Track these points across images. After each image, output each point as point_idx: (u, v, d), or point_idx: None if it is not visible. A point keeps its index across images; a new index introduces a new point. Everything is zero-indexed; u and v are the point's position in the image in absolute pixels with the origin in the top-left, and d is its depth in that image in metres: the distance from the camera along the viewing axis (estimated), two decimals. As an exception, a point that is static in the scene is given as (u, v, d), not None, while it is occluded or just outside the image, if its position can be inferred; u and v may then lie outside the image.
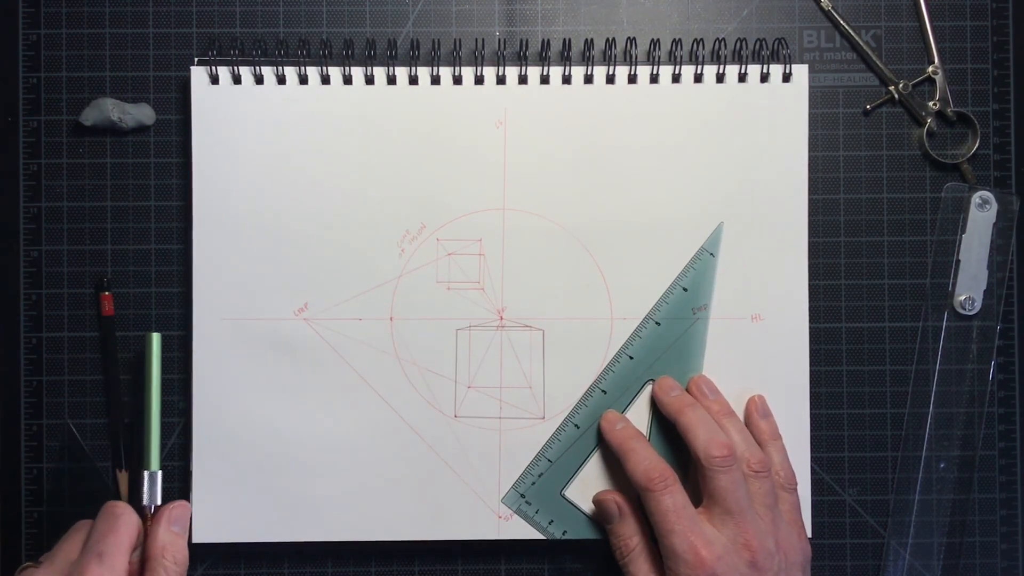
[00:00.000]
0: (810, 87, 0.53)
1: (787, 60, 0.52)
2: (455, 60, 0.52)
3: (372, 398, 0.52)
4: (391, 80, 0.52)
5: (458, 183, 0.52)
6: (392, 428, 0.52)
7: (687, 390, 0.52)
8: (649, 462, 0.48)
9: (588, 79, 0.52)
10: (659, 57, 0.52)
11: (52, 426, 0.53)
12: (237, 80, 0.52)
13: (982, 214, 0.53)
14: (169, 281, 0.53)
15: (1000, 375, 0.54)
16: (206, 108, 0.52)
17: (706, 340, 0.52)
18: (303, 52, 0.52)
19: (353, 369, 0.52)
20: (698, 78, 0.52)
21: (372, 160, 0.52)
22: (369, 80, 0.52)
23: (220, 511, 0.51)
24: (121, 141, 0.53)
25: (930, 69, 0.54)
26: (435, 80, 0.52)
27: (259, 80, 0.52)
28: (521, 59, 0.52)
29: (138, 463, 0.51)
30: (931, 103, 0.54)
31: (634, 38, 0.52)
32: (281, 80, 0.52)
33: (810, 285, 0.53)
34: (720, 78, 0.52)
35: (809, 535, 0.50)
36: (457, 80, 0.52)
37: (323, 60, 0.52)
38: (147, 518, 0.49)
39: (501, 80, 0.52)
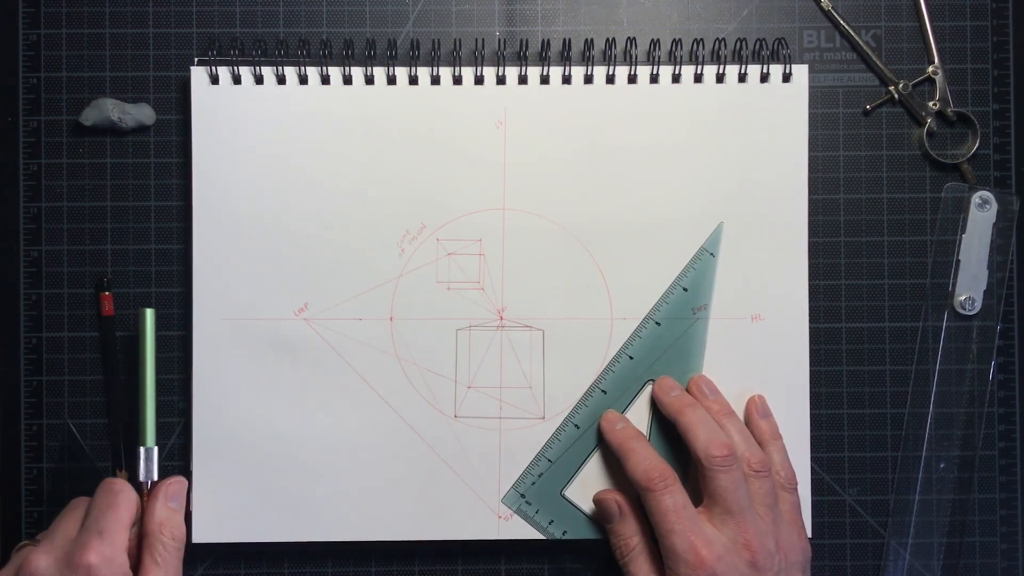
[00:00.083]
0: (810, 87, 0.53)
1: (787, 60, 0.52)
2: (455, 60, 0.52)
3: (372, 398, 0.52)
4: (391, 80, 0.52)
5: (458, 183, 0.52)
6: (392, 428, 0.52)
7: (687, 390, 0.52)
8: (649, 462, 0.48)
9: (588, 79, 0.52)
10: (659, 57, 0.52)
11: (52, 426, 0.53)
12: (237, 80, 0.52)
13: (982, 214, 0.53)
14: (169, 281, 0.53)
15: (1000, 375, 0.54)
16: (206, 108, 0.52)
17: (706, 340, 0.52)
18: (303, 52, 0.52)
19: (353, 369, 0.52)
20: (698, 78, 0.52)
21: (372, 160, 0.52)
22: (369, 80, 0.52)
23: (220, 511, 0.51)
24: (121, 141, 0.53)
25: (930, 69, 0.54)
26: (435, 80, 0.52)
27: (259, 80, 0.52)
28: (521, 59, 0.52)
29: (134, 440, 0.51)
30: (931, 103, 0.54)
31: (634, 38, 0.52)
32: (281, 80, 0.52)
33: (810, 285, 0.53)
34: (720, 78, 0.52)
35: (809, 535, 0.50)
36: (457, 80, 0.52)
37: (323, 60, 0.52)
38: (143, 494, 0.49)
39: (501, 80, 0.52)
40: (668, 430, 0.51)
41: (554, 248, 0.52)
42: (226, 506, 0.51)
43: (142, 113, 0.52)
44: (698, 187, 0.52)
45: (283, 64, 0.52)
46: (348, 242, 0.52)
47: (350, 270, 0.52)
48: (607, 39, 0.52)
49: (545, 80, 0.52)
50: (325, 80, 0.52)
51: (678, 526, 0.46)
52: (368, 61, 0.52)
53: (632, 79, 0.52)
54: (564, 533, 0.52)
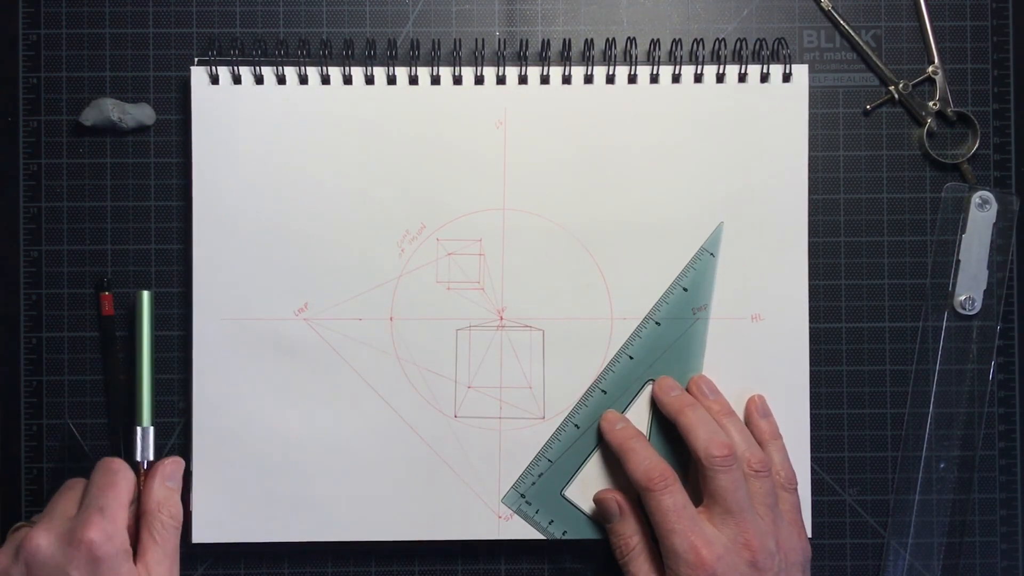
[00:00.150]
0: (810, 87, 0.53)
1: (787, 60, 0.52)
2: (455, 60, 0.52)
3: (372, 398, 0.52)
4: (391, 80, 0.52)
5: (458, 183, 0.52)
6: (392, 428, 0.52)
7: (687, 390, 0.52)
8: (649, 462, 0.48)
9: (588, 79, 0.52)
10: (659, 57, 0.52)
11: (52, 426, 0.53)
12: (237, 80, 0.52)
13: (982, 214, 0.53)
14: (169, 281, 0.53)
15: (1000, 375, 0.54)
16: (206, 108, 0.52)
17: (706, 340, 0.52)
18: (303, 52, 0.52)
19: (353, 369, 0.52)
20: (698, 78, 0.52)
21: (372, 160, 0.52)
22: (369, 80, 0.52)
23: (220, 511, 0.51)
24: (121, 141, 0.53)
25: (930, 69, 0.54)
26: (435, 80, 0.52)
27: (259, 80, 0.52)
28: (521, 59, 0.52)
29: (131, 420, 0.51)
30: (931, 103, 0.54)
31: (634, 38, 0.52)
32: (281, 80, 0.52)
33: (810, 285, 0.53)
34: (720, 78, 0.52)
35: (809, 535, 0.50)
36: (457, 80, 0.52)
37: (323, 60, 0.52)
38: (140, 474, 0.49)
39: (501, 80, 0.52)
40: (668, 430, 0.51)
41: (554, 248, 0.52)
42: (226, 506, 0.51)
43: (142, 113, 0.52)
44: (698, 187, 0.52)
45: (283, 64, 0.52)
46: (348, 242, 0.52)
47: (350, 270, 0.52)
48: (607, 39, 0.52)
49: (545, 80, 0.52)
50: (325, 80, 0.52)
51: (678, 526, 0.46)
52: (368, 61, 0.52)
53: (632, 79, 0.52)
54: (564, 533, 0.52)
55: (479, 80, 0.52)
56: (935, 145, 0.54)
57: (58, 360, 0.53)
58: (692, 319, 0.52)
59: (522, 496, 0.52)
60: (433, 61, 0.52)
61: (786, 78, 0.52)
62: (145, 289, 0.52)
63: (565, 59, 0.52)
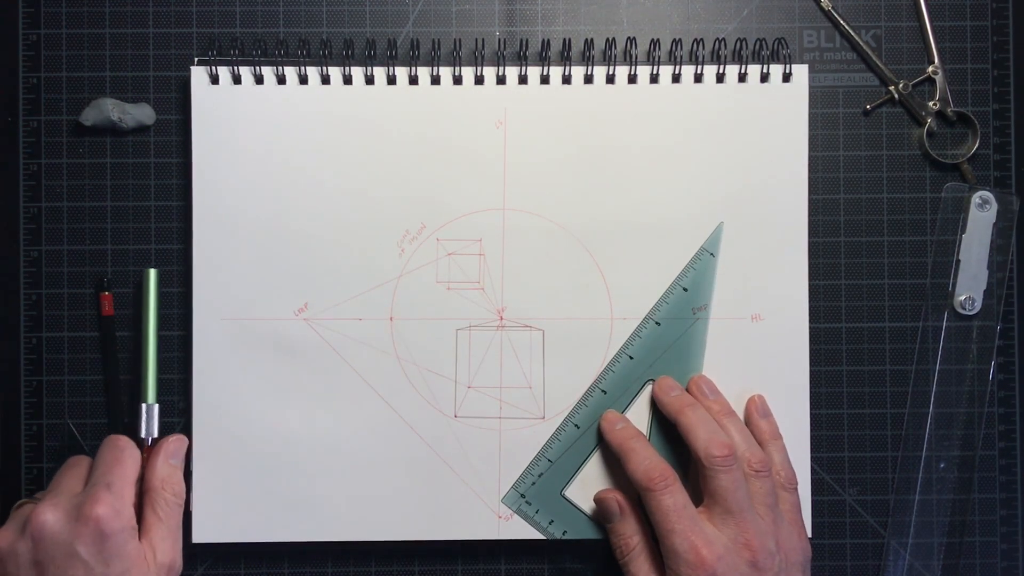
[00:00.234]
0: (810, 87, 0.53)
1: (787, 60, 0.52)
2: (455, 60, 0.52)
3: (372, 398, 0.52)
4: (391, 80, 0.52)
5: (458, 183, 0.52)
6: (392, 428, 0.52)
7: (687, 390, 0.52)
8: (650, 462, 0.48)
9: (588, 79, 0.52)
10: (659, 57, 0.52)
11: (52, 426, 0.53)
12: (237, 80, 0.52)
13: (982, 214, 0.53)
14: (169, 281, 0.53)
15: (1000, 375, 0.54)
16: (206, 108, 0.52)
17: (706, 340, 0.52)
18: (303, 52, 0.52)
19: (353, 369, 0.52)
20: (698, 78, 0.52)
21: (372, 160, 0.52)
22: (369, 80, 0.52)
23: (220, 511, 0.51)
24: (121, 141, 0.53)
25: (930, 69, 0.54)
26: (435, 80, 0.52)
27: (259, 80, 0.52)
28: (521, 59, 0.52)
29: (136, 397, 0.52)
30: (931, 103, 0.54)
31: (634, 38, 0.52)
32: (281, 80, 0.52)
33: (810, 285, 0.53)
34: (720, 78, 0.52)
35: (809, 535, 0.50)
36: (457, 80, 0.52)
37: (323, 60, 0.52)
38: (144, 450, 0.50)
39: (501, 80, 0.52)
40: (668, 430, 0.51)
41: (554, 248, 0.52)
42: (226, 506, 0.51)
43: (142, 113, 0.52)
44: (698, 187, 0.52)
45: (283, 64, 0.52)
46: (348, 242, 0.52)
47: (350, 270, 0.52)
48: (607, 39, 0.52)
49: (545, 80, 0.52)
50: (325, 80, 0.52)
51: (678, 526, 0.46)
52: (368, 61, 0.52)
53: (632, 79, 0.52)
54: (564, 533, 0.52)
55: (479, 80, 0.52)
56: (935, 145, 0.54)
57: (58, 360, 0.53)
58: (692, 319, 0.52)
59: (522, 496, 0.52)
60: (433, 61, 0.52)
61: (786, 78, 0.52)
62: (151, 268, 0.52)
63: (565, 59, 0.52)
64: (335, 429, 0.52)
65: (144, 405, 0.51)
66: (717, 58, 0.52)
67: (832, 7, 0.54)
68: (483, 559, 0.53)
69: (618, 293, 0.52)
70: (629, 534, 0.49)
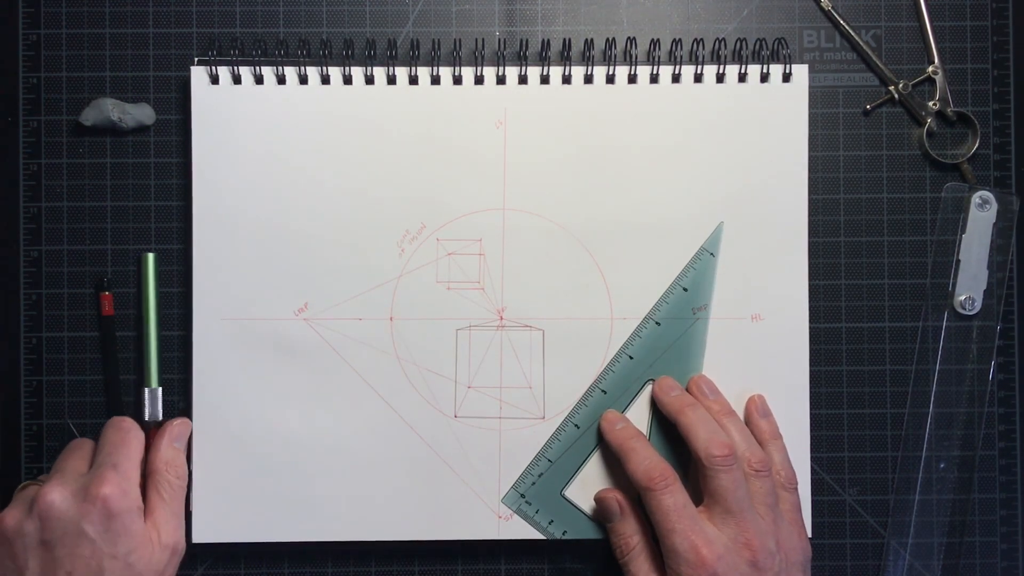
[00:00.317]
0: (810, 87, 0.53)
1: (787, 60, 0.52)
2: (455, 60, 0.52)
3: (372, 398, 0.52)
4: (391, 80, 0.52)
5: (458, 183, 0.52)
6: (392, 428, 0.52)
7: (687, 390, 0.52)
8: (650, 462, 0.48)
9: (588, 79, 0.52)
10: (659, 57, 0.52)
11: (52, 426, 0.53)
12: (237, 80, 0.52)
13: (982, 214, 0.53)
14: (169, 281, 0.53)
15: (1000, 375, 0.54)
16: (206, 108, 0.52)
17: (706, 340, 0.52)
18: (303, 52, 0.52)
19: (353, 369, 0.52)
20: (698, 78, 0.52)
21: (372, 160, 0.52)
22: (369, 80, 0.52)
23: (220, 511, 0.51)
24: (121, 141, 0.53)
25: (930, 69, 0.54)
26: (435, 80, 0.52)
27: (259, 80, 0.52)
28: (521, 59, 0.52)
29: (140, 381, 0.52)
30: (931, 103, 0.54)
31: (634, 38, 0.52)
32: (281, 80, 0.52)
33: (810, 285, 0.53)
34: (720, 78, 0.52)
35: (809, 535, 0.50)
36: (457, 80, 0.52)
37: (323, 60, 0.52)
38: (148, 433, 0.50)
39: (501, 80, 0.52)
40: (668, 430, 0.51)
41: (554, 248, 0.52)
42: (226, 506, 0.51)
43: (142, 113, 0.52)
44: (698, 187, 0.52)
45: (283, 64, 0.52)
46: (348, 242, 0.52)
47: (350, 270, 0.52)
48: (607, 39, 0.52)
49: (545, 80, 0.52)
50: (325, 80, 0.52)
51: (679, 525, 0.46)
52: (368, 61, 0.52)
53: (632, 79, 0.52)
54: (564, 533, 0.52)
55: (479, 80, 0.52)
56: (935, 145, 0.54)
57: (58, 360, 0.53)
58: (692, 319, 0.52)
59: (522, 496, 0.52)
60: (433, 61, 0.52)
61: (786, 78, 0.52)
62: (149, 252, 0.52)
63: (565, 59, 0.52)
64: (335, 429, 0.52)
65: (147, 389, 0.52)
66: (717, 58, 0.52)
67: (832, 7, 0.54)
68: (483, 559, 0.53)
69: (618, 293, 0.52)
70: (629, 534, 0.49)
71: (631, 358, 0.52)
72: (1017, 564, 0.54)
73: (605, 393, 0.52)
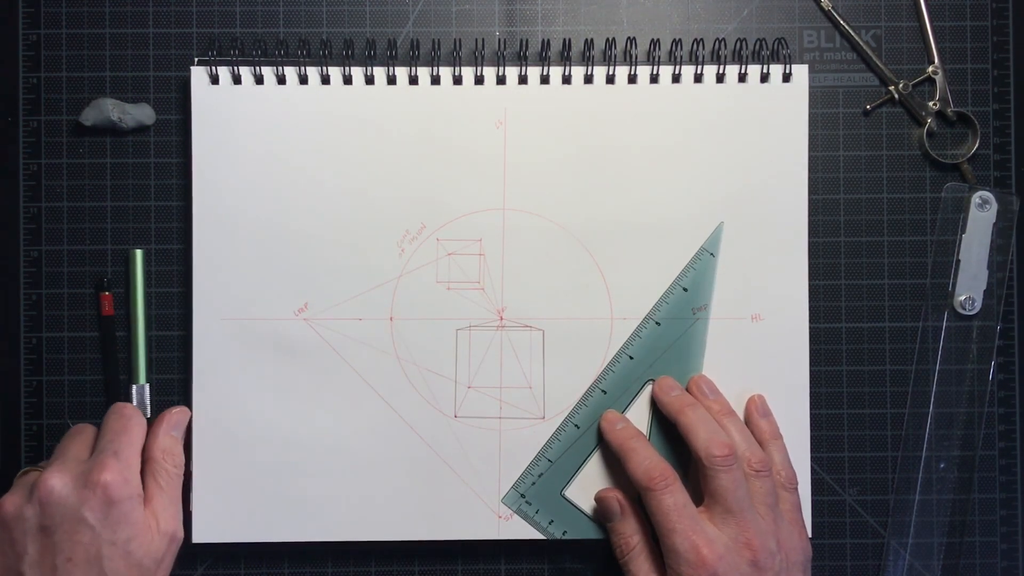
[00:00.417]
0: (810, 87, 0.53)
1: (787, 60, 0.52)
2: (455, 60, 0.52)
3: (372, 398, 0.52)
4: (391, 80, 0.52)
5: (458, 183, 0.52)
6: (392, 428, 0.52)
7: (687, 390, 0.52)
8: (650, 461, 0.48)
9: (588, 79, 0.52)
10: (659, 57, 0.52)
11: (52, 426, 0.53)
12: (237, 80, 0.52)
13: (982, 214, 0.53)
14: (169, 281, 0.53)
15: (1000, 375, 0.54)
16: (206, 108, 0.52)
17: (706, 340, 0.52)
18: (303, 52, 0.52)
19: (353, 369, 0.52)
20: (698, 78, 0.52)
21: (372, 160, 0.52)
22: (369, 80, 0.52)
23: (220, 511, 0.51)
24: (121, 141, 0.53)
25: (930, 69, 0.54)
26: (435, 80, 0.52)
27: (259, 80, 0.52)
28: (521, 59, 0.52)
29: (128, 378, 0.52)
30: (931, 103, 0.54)
31: (634, 38, 0.52)
32: (281, 80, 0.52)
33: (810, 285, 0.53)
34: (720, 78, 0.52)
35: (809, 535, 0.50)
36: (457, 80, 0.52)
37: (323, 60, 0.52)
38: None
39: (501, 80, 0.52)
40: (668, 430, 0.51)
41: (554, 248, 0.52)
42: (226, 506, 0.51)
43: (142, 113, 0.52)
44: (698, 187, 0.52)
45: (283, 64, 0.52)
46: (348, 242, 0.52)
47: (350, 270, 0.52)
48: (607, 39, 0.52)
49: (545, 80, 0.52)
50: (325, 80, 0.52)
51: (679, 525, 0.46)
52: (368, 61, 0.52)
53: (632, 79, 0.52)
54: (564, 533, 0.52)
55: (479, 80, 0.52)
56: (935, 145, 0.54)
57: (58, 360, 0.53)
58: (692, 319, 0.52)
59: (522, 496, 0.52)
60: (433, 61, 0.52)
61: (786, 78, 0.52)
62: (138, 248, 0.52)
63: (565, 59, 0.52)
64: (335, 429, 0.52)
65: (135, 386, 0.52)
66: (717, 58, 0.52)
67: (832, 7, 0.54)
68: (483, 559, 0.53)
69: (618, 293, 0.52)
70: (629, 533, 0.49)
71: (631, 358, 0.52)
72: (1017, 564, 0.54)
73: (605, 393, 0.52)
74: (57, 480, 0.45)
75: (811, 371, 0.52)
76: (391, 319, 0.52)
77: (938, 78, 0.54)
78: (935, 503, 0.53)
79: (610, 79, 0.52)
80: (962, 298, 0.53)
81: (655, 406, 0.52)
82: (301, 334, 0.52)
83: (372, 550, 0.53)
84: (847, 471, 0.54)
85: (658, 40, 0.52)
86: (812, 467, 0.53)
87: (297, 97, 0.52)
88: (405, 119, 0.52)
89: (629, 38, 0.52)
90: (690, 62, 0.52)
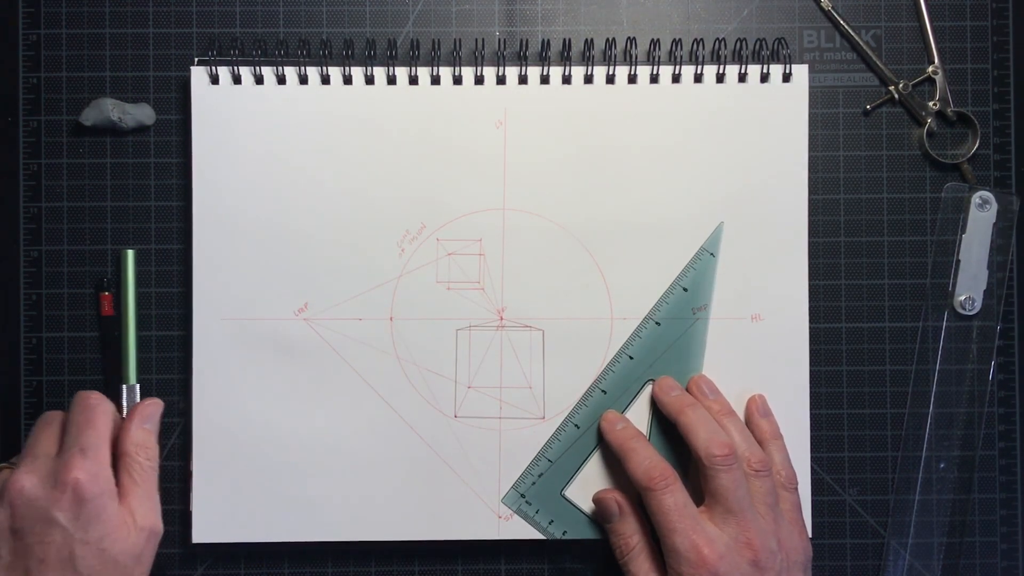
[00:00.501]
0: (810, 87, 0.53)
1: (787, 60, 0.52)
2: (455, 60, 0.52)
3: (372, 398, 0.52)
4: (391, 80, 0.52)
5: (458, 183, 0.52)
6: (392, 428, 0.52)
7: (687, 390, 0.52)
8: (650, 461, 0.48)
9: (588, 79, 0.52)
10: (659, 57, 0.52)
11: (52, 426, 0.53)
12: (237, 80, 0.52)
13: (982, 214, 0.53)
14: (169, 281, 0.53)
15: (1000, 375, 0.54)
16: (206, 108, 0.52)
17: (706, 340, 0.52)
18: (303, 52, 0.52)
19: (353, 369, 0.52)
20: (698, 78, 0.52)
21: (372, 160, 0.52)
22: (369, 80, 0.52)
23: (220, 511, 0.51)
24: (121, 141, 0.53)
25: (930, 69, 0.54)
26: (435, 80, 0.52)
27: (259, 80, 0.52)
28: (521, 59, 0.52)
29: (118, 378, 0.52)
30: (931, 103, 0.54)
31: (634, 38, 0.52)
32: (281, 80, 0.52)
33: (810, 285, 0.53)
34: (720, 78, 0.52)
35: (809, 535, 0.50)
36: (457, 80, 0.52)
37: (323, 60, 0.52)
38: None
39: (501, 80, 0.52)
40: (668, 430, 0.51)
41: (554, 248, 0.52)
42: (226, 506, 0.51)
43: (142, 113, 0.52)
44: (698, 187, 0.52)
45: (283, 64, 0.52)
46: (348, 242, 0.52)
47: (350, 270, 0.52)
48: (607, 39, 0.52)
49: (545, 80, 0.52)
50: (325, 80, 0.52)
51: (680, 525, 0.46)
52: (368, 61, 0.52)
53: (632, 79, 0.52)
54: (564, 533, 0.52)
55: (479, 80, 0.52)
56: (935, 145, 0.54)
57: (58, 360, 0.53)
58: (692, 319, 0.52)
59: (522, 496, 0.52)
60: (433, 61, 0.52)
61: (786, 78, 0.52)
62: (129, 248, 0.52)
63: (565, 59, 0.52)
64: (335, 429, 0.52)
65: (125, 386, 0.52)
66: (717, 58, 0.52)
67: (832, 7, 0.54)
68: (483, 559, 0.53)
69: (618, 293, 0.52)
70: (629, 534, 0.49)
71: (631, 358, 0.52)
72: (1017, 564, 0.54)
73: (605, 393, 0.52)
74: (27, 480, 0.44)
75: (811, 371, 0.52)
76: (391, 319, 0.52)
77: (938, 78, 0.54)
78: (935, 503, 0.53)
79: (610, 79, 0.52)
80: (962, 298, 0.53)
81: (655, 406, 0.52)
82: (301, 334, 0.52)
83: (372, 550, 0.53)
84: (847, 471, 0.54)
85: (658, 40, 0.52)
86: (812, 467, 0.53)
87: (297, 97, 0.52)
88: (405, 119, 0.52)
89: (629, 38, 0.52)
90: (690, 62, 0.52)
